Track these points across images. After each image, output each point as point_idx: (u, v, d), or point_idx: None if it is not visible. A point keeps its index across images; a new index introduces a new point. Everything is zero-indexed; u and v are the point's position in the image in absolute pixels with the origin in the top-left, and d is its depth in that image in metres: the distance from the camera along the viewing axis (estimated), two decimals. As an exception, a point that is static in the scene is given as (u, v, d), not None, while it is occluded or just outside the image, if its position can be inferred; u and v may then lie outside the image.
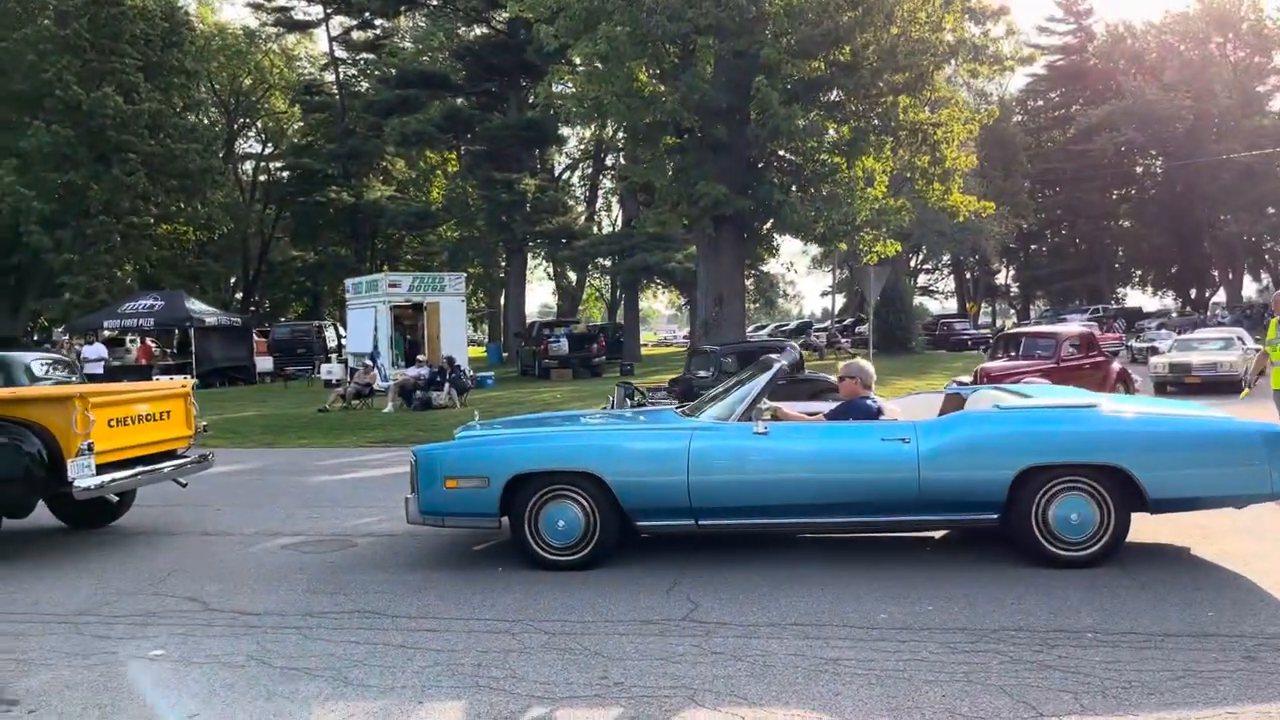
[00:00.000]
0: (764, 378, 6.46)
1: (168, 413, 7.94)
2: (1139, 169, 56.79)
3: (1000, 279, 66.97)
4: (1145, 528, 6.58)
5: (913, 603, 5.40)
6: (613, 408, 13.54)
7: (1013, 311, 70.82)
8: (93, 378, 23.30)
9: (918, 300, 59.14)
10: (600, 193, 53.27)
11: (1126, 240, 57.58)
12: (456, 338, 25.64)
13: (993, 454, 5.98)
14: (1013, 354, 16.70)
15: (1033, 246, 62.53)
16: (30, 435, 6.78)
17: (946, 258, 60.30)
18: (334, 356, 31.95)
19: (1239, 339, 21.09)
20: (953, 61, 19.29)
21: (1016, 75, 61.48)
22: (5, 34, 33.84)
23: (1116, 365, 16.36)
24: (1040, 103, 61.61)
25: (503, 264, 44.80)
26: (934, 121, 19.01)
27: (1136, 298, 62.33)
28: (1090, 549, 5.95)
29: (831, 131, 18.73)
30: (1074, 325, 21.67)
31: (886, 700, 4.06)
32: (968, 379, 15.10)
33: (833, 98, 19.16)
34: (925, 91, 18.55)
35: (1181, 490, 5.97)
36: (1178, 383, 19.14)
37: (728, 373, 13.97)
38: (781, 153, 20.04)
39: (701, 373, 15.42)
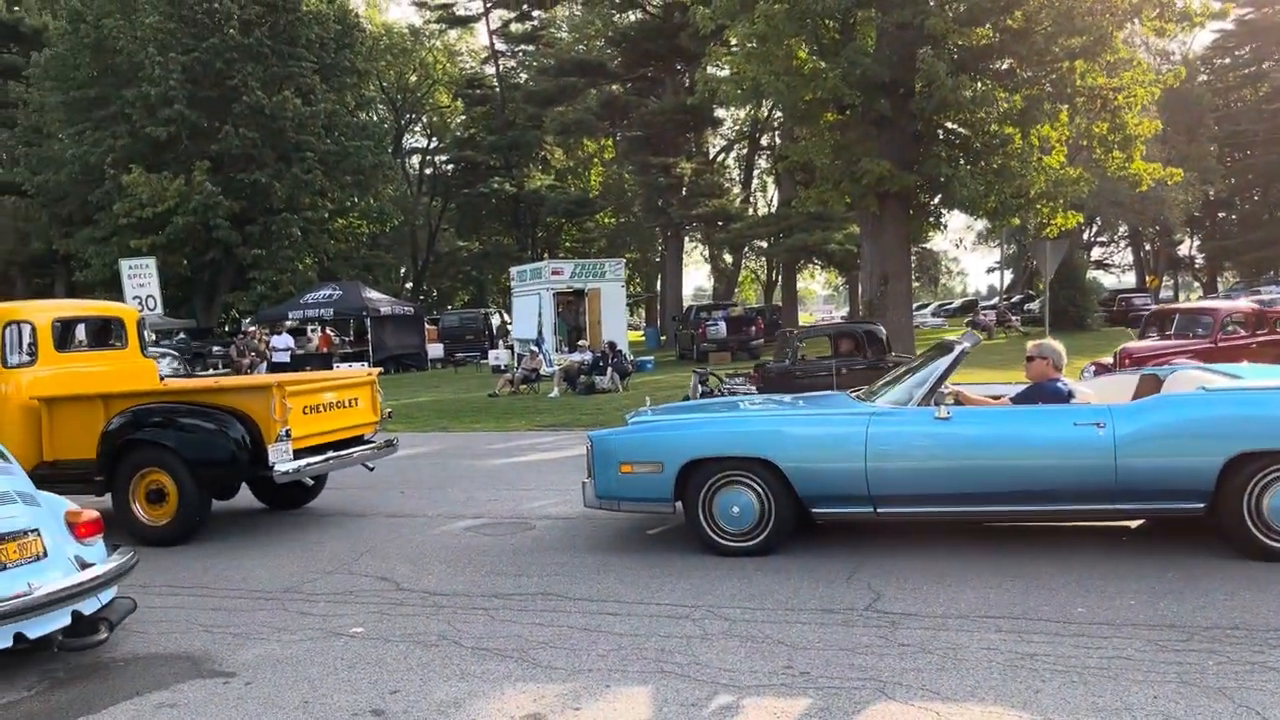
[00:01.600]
0: (945, 360, 6.23)
1: (355, 400, 8.32)
2: (1344, 127, 52.07)
3: (1183, 250, 62.78)
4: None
5: (1112, 597, 5.12)
6: (692, 396, 13.29)
7: (1198, 285, 66.36)
8: (280, 366, 24.76)
9: (1091, 274, 56.15)
10: (756, 173, 52.83)
11: (1330, 205, 52.99)
12: (617, 323, 25.97)
13: (1199, 439, 5.61)
14: (1167, 333, 15.19)
15: (1220, 214, 58.29)
16: (235, 422, 7.23)
17: (1123, 229, 56.98)
18: (500, 343, 32.86)
19: None
20: (1135, 21, 18.10)
21: (1202, 31, 57.37)
22: (196, 44, 36.15)
23: None
24: (1228, 60, 57.22)
25: (660, 248, 45.05)
26: (1114, 86, 17.87)
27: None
28: (1311, 542, 5.50)
29: (1002, 101, 17.91)
30: (1240, 301, 19.71)
31: (1091, 700, 3.86)
32: (1108, 360, 14.01)
33: (1003, 66, 18.29)
34: (1104, 55, 17.46)
35: None
36: None
37: (802, 357, 13.51)
38: (949, 125, 19.27)
39: (777, 358, 14.89)
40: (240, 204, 36.78)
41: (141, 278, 21.08)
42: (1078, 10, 16.36)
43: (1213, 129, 48.39)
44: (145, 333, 9.13)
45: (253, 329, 33.22)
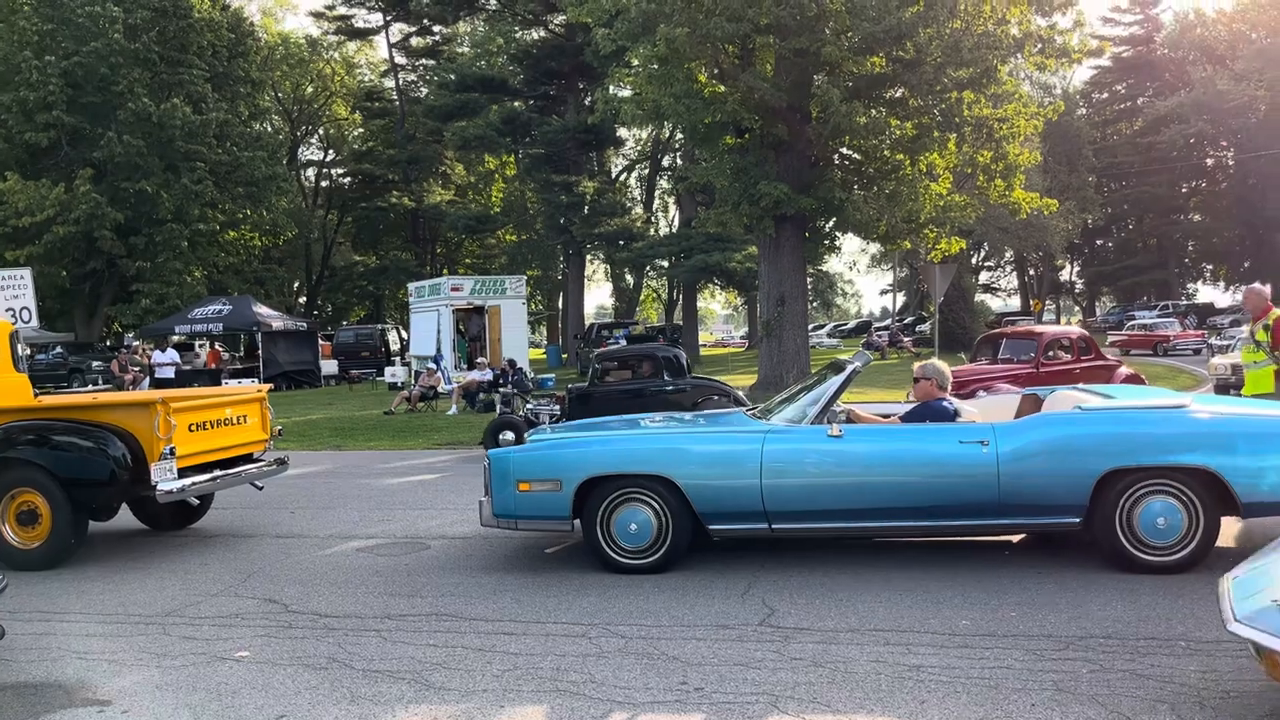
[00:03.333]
0: (838, 379, 6.39)
1: (244, 417, 8.08)
2: (1209, 161, 55.30)
3: (1065, 275, 65.66)
4: (1236, 530, 6.39)
5: (994, 609, 5.30)
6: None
7: (1078, 309, 69.42)
8: (164, 382, 23.88)
9: (979, 298, 58.21)
10: (657, 193, 53.32)
11: (1197, 235, 56.09)
12: (518, 340, 25.84)
13: (1075, 456, 5.85)
14: (998, 357, 15.22)
15: (1098, 242, 61.24)
16: (115, 439, 6.95)
17: (1009, 254, 59.30)
18: (397, 359, 32.33)
19: None
20: (1018, 55, 18.91)
21: (1081, 67, 60.27)
22: (77, 48, 34.77)
23: (1124, 370, 14.69)
24: (1105, 95, 60.29)
25: (561, 266, 45.03)
26: (998, 117, 18.64)
27: (1208, 293, 60.72)
28: (1178, 554, 5.78)
29: (895, 128, 18.48)
30: (1072, 327, 20.22)
31: (974, 709, 3.98)
32: None
33: (895, 94, 18.89)
34: (990, 87, 18.19)
35: (1277, 493, 5.76)
36: (1241, 384, 18.05)
37: (599, 379, 13.64)
38: (844, 150, 19.81)
39: (578, 382, 14.92)
40: (125, 214, 35.42)
41: (15, 289, 20.05)
42: (965, 43, 16.98)
43: (1091, 160, 50.82)
44: (19, 347, 8.70)
45: (136, 343, 32.03)
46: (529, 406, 13.66)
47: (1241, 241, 54.22)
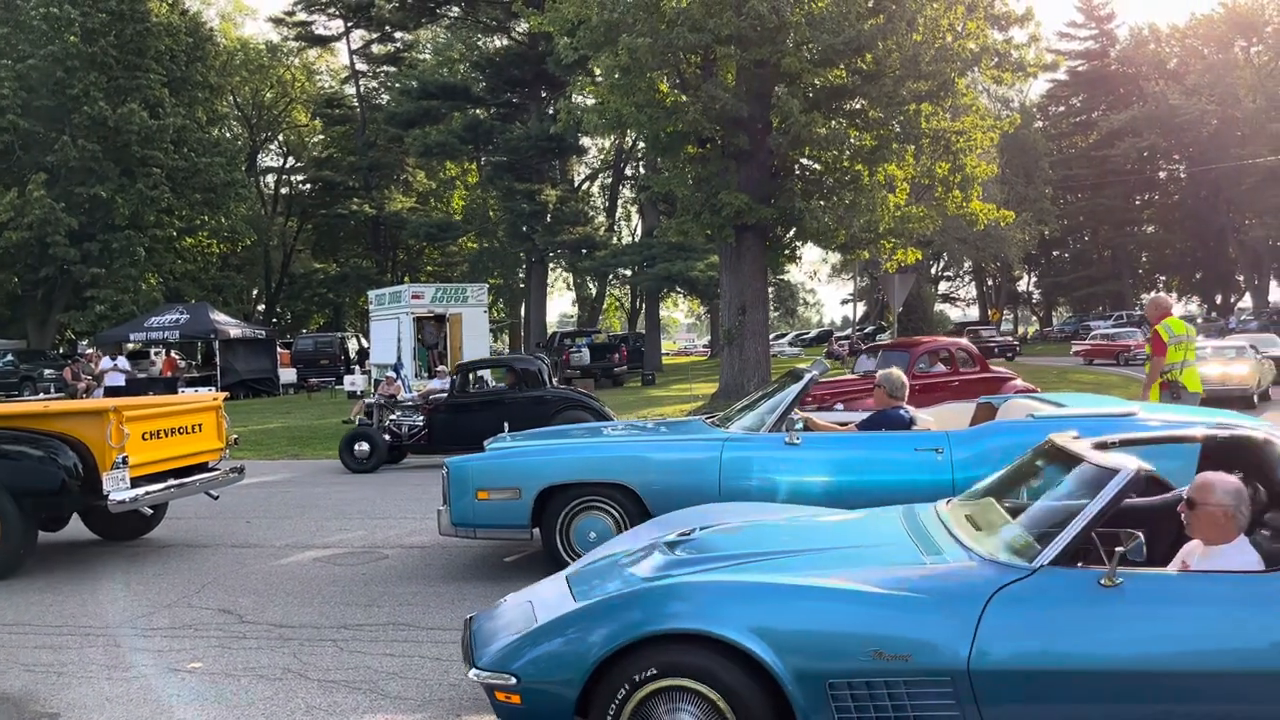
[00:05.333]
0: (795, 388, 6.44)
1: (199, 426, 7.99)
2: (1162, 174, 56.38)
3: (1022, 286, 66.58)
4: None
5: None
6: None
7: (1035, 319, 70.42)
8: (115, 391, 23.51)
9: (938, 308, 58.87)
10: (620, 202, 53.38)
11: (1150, 246, 57.14)
12: (479, 348, 25.69)
13: (1028, 463, 5.93)
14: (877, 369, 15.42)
15: (1055, 253, 62.12)
16: (66, 449, 6.84)
17: (968, 264, 60.03)
18: (356, 368, 32.06)
19: (1251, 348, 20.08)
20: (975, 69, 19.18)
21: (1037, 81, 61.20)
22: (33, 51, 34.22)
23: (1019, 383, 14.25)
24: (1062, 108, 61.26)
25: (523, 275, 44.91)
26: (956, 129, 18.90)
27: (1160, 304, 61.64)
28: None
29: (853, 139, 18.66)
30: (957, 339, 20.14)
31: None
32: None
33: (855, 105, 19.08)
34: (948, 99, 18.44)
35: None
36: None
37: (462, 389, 13.72)
38: (804, 161, 19.97)
39: (442, 392, 14.89)
40: (79, 219, 34.84)
41: (-35, 295, 19.71)
42: (924, 56, 17.21)
43: (1047, 172, 51.56)
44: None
45: (90, 351, 31.50)
46: (392, 418, 13.61)
47: (1193, 253, 55.33)
